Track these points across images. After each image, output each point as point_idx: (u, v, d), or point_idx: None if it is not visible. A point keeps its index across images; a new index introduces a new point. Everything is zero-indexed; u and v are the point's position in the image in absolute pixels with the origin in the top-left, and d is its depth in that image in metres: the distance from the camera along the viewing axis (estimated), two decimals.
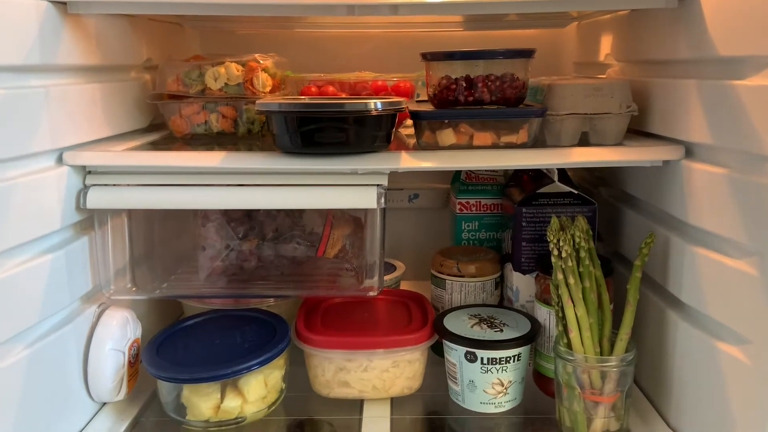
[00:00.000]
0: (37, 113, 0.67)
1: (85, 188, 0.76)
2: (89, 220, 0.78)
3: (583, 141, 0.79)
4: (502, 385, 0.79)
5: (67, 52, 0.72)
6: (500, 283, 0.95)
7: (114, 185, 0.76)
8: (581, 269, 0.74)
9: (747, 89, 0.60)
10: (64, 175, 0.73)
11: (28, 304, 0.66)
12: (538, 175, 0.93)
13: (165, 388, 0.78)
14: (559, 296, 0.74)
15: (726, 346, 0.64)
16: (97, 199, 0.75)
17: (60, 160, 0.73)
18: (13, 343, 0.64)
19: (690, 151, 0.73)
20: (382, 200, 0.75)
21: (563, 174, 0.89)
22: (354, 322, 0.87)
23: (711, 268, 0.67)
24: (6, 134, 0.62)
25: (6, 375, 0.62)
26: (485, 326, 0.82)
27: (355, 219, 0.88)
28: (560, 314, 0.74)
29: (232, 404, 0.76)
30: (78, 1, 0.72)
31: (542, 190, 0.87)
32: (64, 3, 0.71)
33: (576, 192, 0.87)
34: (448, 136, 0.77)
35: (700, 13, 0.68)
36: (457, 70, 0.77)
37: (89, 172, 0.76)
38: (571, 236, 0.74)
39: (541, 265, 0.83)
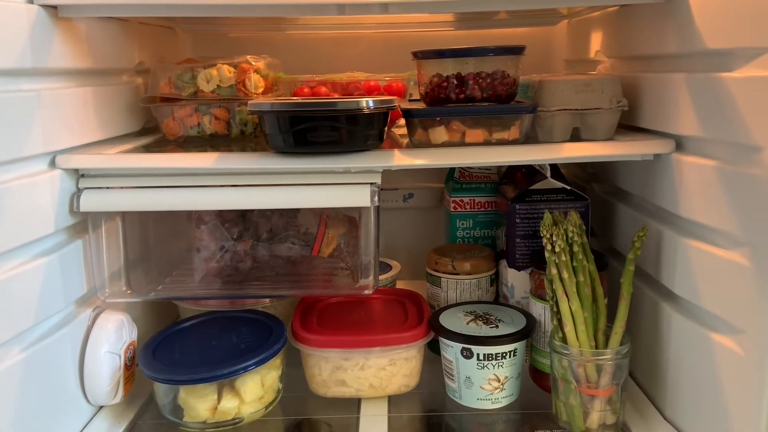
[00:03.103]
0: (29, 117, 0.67)
1: (79, 191, 0.76)
2: (83, 224, 0.78)
3: (575, 137, 0.79)
4: (499, 380, 0.79)
5: (58, 56, 0.72)
6: (495, 280, 0.95)
7: (107, 188, 0.76)
8: (575, 264, 0.74)
9: (735, 81, 0.61)
10: (57, 178, 0.73)
11: (23, 308, 0.66)
12: (531, 172, 0.93)
13: (162, 390, 0.78)
14: (553, 291, 0.74)
15: (719, 336, 0.65)
16: (91, 202, 0.75)
17: (53, 164, 0.73)
18: (9, 347, 0.64)
19: (680, 144, 0.73)
20: (376, 198, 0.76)
21: (556, 170, 0.90)
22: (350, 321, 0.87)
23: (703, 260, 0.67)
24: None
25: (2, 379, 0.62)
26: (481, 323, 0.83)
27: (349, 218, 0.89)
28: (555, 309, 0.75)
29: (229, 405, 0.76)
30: (68, 5, 0.72)
31: (535, 186, 0.88)
32: (55, 7, 0.71)
33: (568, 188, 0.87)
34: (440, 133, 0.77)
35: (687, 7, 0.68)
36: (448, 68, 0.78)
37: (82, 175, 0.77)
38: (564, 231, 0.75)
39: (536, 261, 0.84)
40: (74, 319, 0.75)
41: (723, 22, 0.63)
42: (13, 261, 0.65)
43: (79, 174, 0.76)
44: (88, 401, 0.77)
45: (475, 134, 0.77)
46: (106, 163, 0.76)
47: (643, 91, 0.80)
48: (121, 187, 0.76)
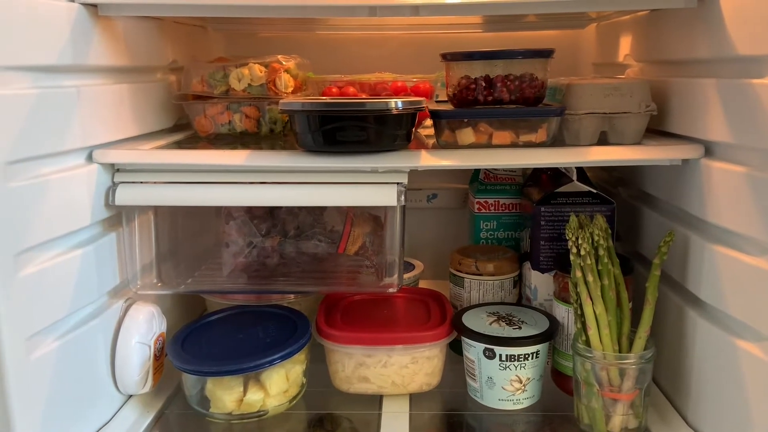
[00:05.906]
0: (69, 112, 0.69)
1: (114, 185, 0.78)
2: (117, 217, 0.80)
3: (602, 140, 0.79)
4: (521, 382, 0.80)
5: (97, 53, 0.75)
6: (518, 281, 0.95)
7: (141, 183, 0.78)
8: (600, 267, 0.74)
9: (766, 88, 0.61)
10: (93, 172, 0.75)
11: (59, 298, 0.68)
12: (557, 175, 0.93)
13: (189, 381, 0.80)
14: (577, 294, 0.74)
15: (745, 343, 0.64)
16: (125, 196, 0.77)
17: (90, 158, 0.75)
18: (44, 335, 0.66)
19: (709, 149, 0.73)
20: (402, 198, 0.76)
21: (582, 173, 0.90)
22: (374, 319, 0.88)
23: (730, 266, 0.67)
24: (40, 132, 0.64)
25: (37, 366, 0.64)
26: (504, 324, 0.83)
27: (374, 217, 0.90)
28: (579, 312, 0.75)
29: (255, 397, 0.78)
30: (109, 4, 0.74)
31: (561, 189, 0.88)
32: (95, 5, 0.74)
33: (595, 191, 0.87)
34: (467, 135, 0.78)
35: (719, 12, 0.68)
36: (477, 70, 0.78)
37: (118, 170, 0.79)
38: (590, 234, 0.75)
39: (560, 264, 0.84)
40: (107, 310, 0.77)
41: (755, 28, 0.62)
42: (51, 252, 0.67)
43: (114, 168, 0.78)
44: (118, 390, 0.79)
45: (502, 136, 0.78)
46: (141, 159, 0.78)
47: (673, 95, 0.80)
48: (155, 182, 0.78)
